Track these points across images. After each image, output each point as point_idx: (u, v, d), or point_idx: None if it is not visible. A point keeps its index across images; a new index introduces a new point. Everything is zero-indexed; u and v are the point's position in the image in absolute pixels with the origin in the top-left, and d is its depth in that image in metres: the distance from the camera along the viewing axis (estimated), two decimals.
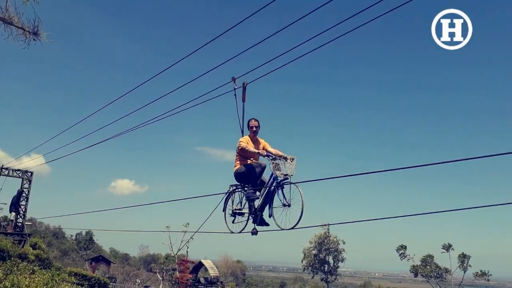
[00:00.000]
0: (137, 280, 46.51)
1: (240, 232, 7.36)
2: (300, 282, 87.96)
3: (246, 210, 7.32)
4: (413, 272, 50.11)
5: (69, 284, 8.96)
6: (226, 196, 7.62)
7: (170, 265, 46.17)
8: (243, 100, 7.47)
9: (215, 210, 7.61)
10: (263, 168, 7.18)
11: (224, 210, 7.61)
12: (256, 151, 7.07)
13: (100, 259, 48.53)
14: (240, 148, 7.25)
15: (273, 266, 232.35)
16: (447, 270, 47.59)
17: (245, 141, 7.28)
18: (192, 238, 35.19)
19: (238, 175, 7.30)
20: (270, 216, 7.01)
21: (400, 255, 50.08)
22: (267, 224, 7.16)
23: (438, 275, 48.05)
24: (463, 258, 46.67)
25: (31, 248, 17.80)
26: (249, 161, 7.23)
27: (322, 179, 6.82)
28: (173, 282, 37.34)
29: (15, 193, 23.99)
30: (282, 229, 6.80)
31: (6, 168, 23.86)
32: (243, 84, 7.41)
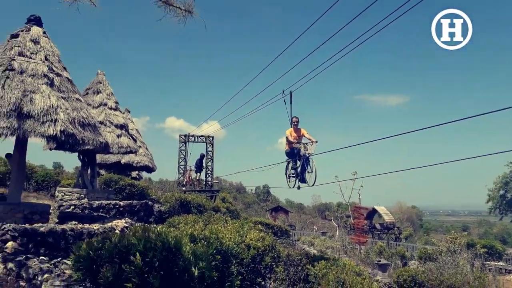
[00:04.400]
0: (314, 227, 49.01)
1: (293, 187, 11.33)
2: (486, 225, 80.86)
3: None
4: None
5: (257, 231, 10.00)
6: (286, 166, 11.55)
7: (343, 213, 47.31)
8: (290, 103, 11.02)
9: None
10: (298, 150, 10.97)
11: (285, 174, 11.53)
12: (291, 140, 11.00)
13: (278, 209, 52.39)
14: (285, 136, 11.20)
15: (452, 210, 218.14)
16: None
17: (288, 132, 11.15)
18: (362, 186, 35.21)
19: (286, 154, 11.42)
20: (302, 177, 10.96)
21: None
22: (306, 183, 11.01)
23: None
24: None
25: (221, 202, 20.34)
26: (293, 145, 11.04)
27: (332, 150, 10.87)
28: (348, 228, 38.33)
29: (199, 157, 27.34)
30: (309, 185, 11.00)
31: (192, 136, 27.36)
32: (290, 92, 10.97)
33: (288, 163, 11.53)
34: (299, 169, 11.08)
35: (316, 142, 10.82)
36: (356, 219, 34.00)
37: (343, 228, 40.63)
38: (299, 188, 11.28)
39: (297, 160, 11.11)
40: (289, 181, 11.52)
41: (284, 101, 11.08)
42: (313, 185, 10.89)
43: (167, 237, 4.38)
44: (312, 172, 10.83)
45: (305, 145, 10.97)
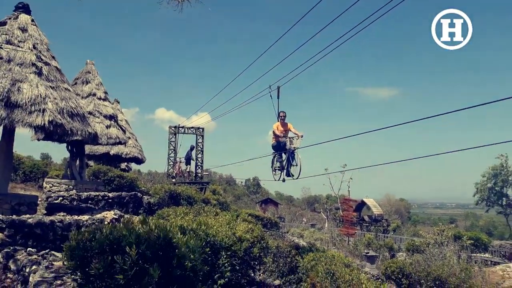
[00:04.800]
0: (303, 219, 49.33)
1: (278, 180, 11.80)
2: (472, 218, 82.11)
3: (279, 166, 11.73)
4: None
5: (247, 223, 10.01)
6: (272, 159, 11.97)
7: (332, 205, 47.64)
8: (278, 98, 11.47)
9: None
10: (284, 144, 11.37)
11: (271, 167, 11.96)
12: (278, 134, 11.41)
13: (268, 201, 52.63)
14: (272, 130, 11.54)
15: (440, 203, 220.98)
16: None
17: (275, 126, 11.51)
18: (352, 178, 35.51)
19: (273, 147, 11.82)
20: (288, 170, 11.39)
21: None
22: (291, 176, 11.42)
23: None
24: None
25: (211, 194, 20.33)
26: (279, 139, 11.44)
27: (320, 143, 11.22)
28: (337, 220, 38.63)
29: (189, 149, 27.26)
30: (294, 178, 11.39)
31: (182, 127, 27.26)
32: (278, 87, 11.41)
33: (274, 156, 11.98)
34: (284, 162, 11.54)
35: (302, 136, 11.23)
36: (345, 211, 34.31)
37: (332, 220, 40.95)
38: (284, 181, 11.75)
39: (283, 154, 11.56)
40: (274, 174, 12.02)
41: (271, 95, 11.59)
42: (297, 178, 11.42)
43: (161, 230, 4.36)
44: (296, 165, 11.29)
45: (291, 139, 11.39)
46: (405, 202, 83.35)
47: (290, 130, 11.54)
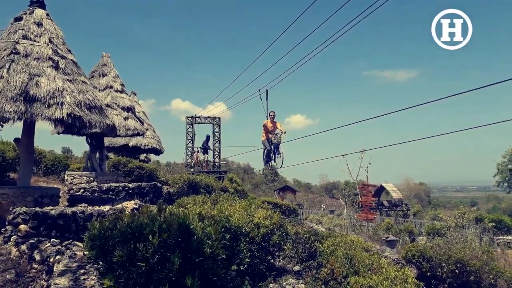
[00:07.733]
0: (322, 205, 49.18)
1: (268, 169, 13.85)
2: (494, 200, 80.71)
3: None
4: None
5: (265, 209, 10.03)
6: (263, 151, 13.96)
7: (351, 191, 47.34)
8: (267, 99, 13.42)
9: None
10: (271, 139, 13.29)
11: (263, 158, 13.98)
12: (268, 130, 13.35)
13: (286, 189, 52.55)
14: (263, 127, 13.50)
15: (461, 186, 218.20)
16: None
17: (265, 124, 13.38)
18: (370, 163, 35.13)
19: (262, 142, 13.73)
20: (274, 161, 13.56)
21: None
22: (276, 164, 13.51)
23: None
24: None
25: (229, 182, 20.43)
26: (268, 134, 13.46)
27: (298, 138, 13.40)
28: (356, 206, 38.38)
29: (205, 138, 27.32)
30: (278, 167, 13.87)
31: (199, 117, 27.35)
32: (266, 91, 13.46)
33: (265, 149, 14.03)
34: (271, 154, 13.67)
35: (285, 132, 13.56)
36: (364, 196, 34.03)
37: (351, 206, 40.74)
38: (271, 169, 14.45)
39: (271, 147, 13.60)
40: (265, 164, 14.17)
41: (260, 98, 13.51)
42: (281, 167, 13.76)
43: (179, 217, 4.39)
44: (280, 157, 13.54)
45: (276, 135, 13.41)
46: (424, 186, 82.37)
47: (277, 128, 13.54)
